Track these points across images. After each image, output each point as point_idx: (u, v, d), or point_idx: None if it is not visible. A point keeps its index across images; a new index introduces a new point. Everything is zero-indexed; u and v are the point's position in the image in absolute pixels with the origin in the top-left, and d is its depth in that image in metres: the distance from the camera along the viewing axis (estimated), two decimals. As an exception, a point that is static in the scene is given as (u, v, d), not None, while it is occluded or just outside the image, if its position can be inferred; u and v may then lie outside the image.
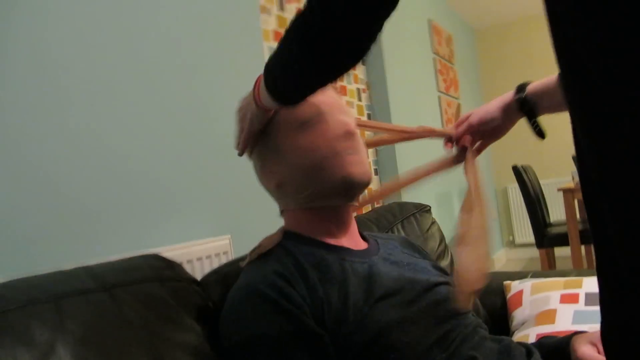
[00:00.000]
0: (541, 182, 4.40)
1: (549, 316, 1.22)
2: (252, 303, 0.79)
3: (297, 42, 0.68)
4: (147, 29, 1.42)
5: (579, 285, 1.27)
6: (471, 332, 0.87)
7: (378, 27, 0.64)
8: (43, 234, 1.08)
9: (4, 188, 1.03)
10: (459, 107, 4.30)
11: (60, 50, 1.18)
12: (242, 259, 1.04)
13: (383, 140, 1.13)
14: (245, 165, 1.65)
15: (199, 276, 1.30)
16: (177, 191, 1.43)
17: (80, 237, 1.16)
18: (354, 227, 0.98)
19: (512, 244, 5.19)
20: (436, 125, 3.70)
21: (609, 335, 0.52)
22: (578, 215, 3.67)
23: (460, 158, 1.02)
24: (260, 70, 1.86)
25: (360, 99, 2.85)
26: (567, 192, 3.12)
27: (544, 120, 0.97)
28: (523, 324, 1.27)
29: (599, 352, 0.87)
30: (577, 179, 3.17)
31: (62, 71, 1.18)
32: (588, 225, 0.53)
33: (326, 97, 0.93)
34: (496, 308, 1.43)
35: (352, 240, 0.96)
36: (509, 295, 1.39)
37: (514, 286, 1.39)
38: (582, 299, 1.23)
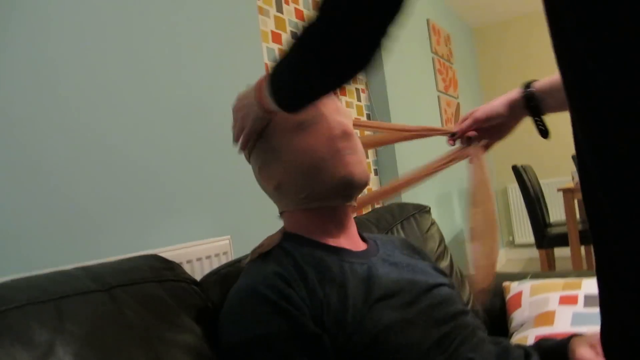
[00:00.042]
0: (541, 182, 4.40)
1: (548, 318, 1.22)
2: (252, 304, 0.79)
3: (302, 49, 0.68)
4: (147, 30, 1.42)
5: (578, 287, 1.27)
6: (470, 334, 0.87)
7: (381, 32, 0.63)
8: (43, 234, 1.08)
9: (4, 188, 1.03)
10: (458, 106, 4.30)
11: (60, 50, 1.18)
12: (241, 259, 1.05)
13: (381, 140, 1.13)
14: (245, 166, 1.65)
15: (198, 276, 1.30)
16: (177, 191, 1.43)
17: (80, 237, 1.16)
18: (353, 227, 0.99)
19: (511, 244, 5.19)
20: (436, 125, 3.70)
21: (608, 336, 0.52)
22: (578, 216, 3.67)
23: (464, 153, 1.01)
24: (259, 70, 1.86)
25: (359, 99, 2.85)
26: (567, 192, 3.12)
27: (546, 119, 0.97)
28: (522, 325, 1.27)
29: (597, 355, 0.87)
30: (577, 179, 3.18)
31: (62, 71, 1.18)
32: (588, 225, 0.53)
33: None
34: (495, 309, 1.43)
35: (351, 241, 0.96)
36: (508, 297, 1.39)
37: (513, 287, 1.39)
38: (581, 300, 1.23)
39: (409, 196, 2.99)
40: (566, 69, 0.51)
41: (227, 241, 1.52)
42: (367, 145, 1.09)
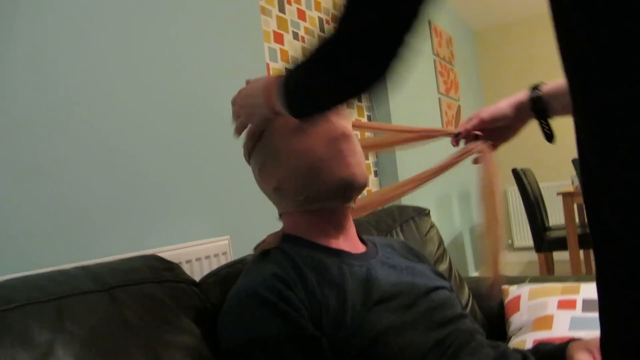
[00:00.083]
0: (541, 185, 4.40)
1: (546, 322, 1.22)
2: (251, 306, 0.79)
3: (320, 59, 0.67)
4: (148, 30, 1.42)
5: (577, 292, 1.27)
6: (468, 338, 0.87)
7: (399, 42, 0.62)
8: (43, 233, 1.08)
9: (4, 187, 1.03)
10: (459, 109, 4.31)
11: (61, 49, 1.18)
12: (241, 260, 1.05)
13: (381, 143, 1.12)
14: (245, 166, 1.65)
15: (197, 276, 1.30)
16: (177, 192, 1.44)
17: (79, 236, 1.16)
18: (352, 229, 0.99)
19: (510, 247, 5.19)
20: (437, 127, 3.70)
21: (608, 340, 0.52)
22: (577, 220, 3.67)
23: (471, 147, 1.00)
24: (260, 70, 1.86)
25: (360, 100, 2.85)
26: (566, 196, 3.12)
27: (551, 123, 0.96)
28: (520, 329, 1.27)
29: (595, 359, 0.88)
30: (576, 182, 3.18)
31: (62, 71, 1.18)
32: (588, 227, 0.53)
33: None
34: (493, 312, 1.43)
35: (350, 243, 0.96)
36: (506, 300, 1.39)
37: (512, 291, 1.40)
38: (579, 305, 1.23)
39: (408, 199, 2.99)
40: (571, 69, 0.51)
41: (227, 241, 1.52)
42: (366, 147, 1.08)
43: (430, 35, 3.88)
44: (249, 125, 0.97)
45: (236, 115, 0.93)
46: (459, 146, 1.02)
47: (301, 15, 2.38)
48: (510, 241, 5.20)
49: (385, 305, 0.83)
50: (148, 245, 1.32)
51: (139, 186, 1.32)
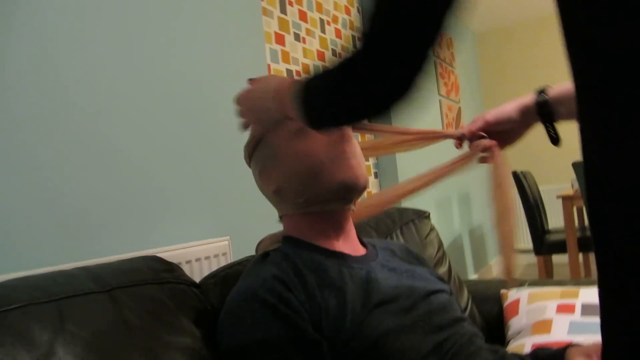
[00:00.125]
0: (540, 188, 4.40)
1: (544, 326, 1.22)
2: (251, 308, 0.79)
3: (343, 73, 0.66)
4: (149, 30, 1.42)
5: (576, 296, 1.27)
6: (467, 342, 0.88)
7: (423, 57, 0.60)
8: (43, 233, 1.09)
9: (4, 187, 1.03)
10: (459, 111, 4.31)
11: (62, 50, 1.18)
12: (241, 262, 1.05)
13: (382, 146, 1.10)
14: (245, 167, 1.65)
15: (197, 277, 1.30)
16: (177, 192, 1.44)
17: (80, 236, 1.16)
18: (352, 232, 0.99)
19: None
20: (437, 129, 3.70)
21: (610, 345, 0.51)
22: (577, 223, 3.68)
23: (480, 144, 0.98)
24: (261, 71, 1.85)
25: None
26: (566, 200, 3.12)
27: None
28: (519, 332, 1.27)
29: (593, 365, 0.88)
30: (576, 186, 3.18)
31: (64, 70, 1.18)
32: (590, 231, 0.52)
33: None
34: (492, 316, 1.43)
35: (350, 245, 0.96)
36: (505, 304, 1.39)
37: (511, 294, 1.40)
38: (578, 309, 1.23)
39: (407, 202, 2.99)
40: (580, 70, 0.50)
41: (227, 242, 1.52)
42: (366, 150, 1.08)
43: (432, 37, 3.88)
44: (251, 127, 0.97)
45: (242, 115, 0.93)
46: (462, 149, 1.01)
47: (302, 16, 2.38)
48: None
49: (385, 308, 0.84)
50: (148, 246, 1.32)
51: (139, 186, 1.32)
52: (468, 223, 4.18)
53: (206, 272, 1.37)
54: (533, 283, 1.47)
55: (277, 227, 1.01)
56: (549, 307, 1.27)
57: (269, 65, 2.07)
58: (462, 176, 4.04)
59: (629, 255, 0.47)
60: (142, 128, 1.35)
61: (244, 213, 1.68)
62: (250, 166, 1.01)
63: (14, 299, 0.65)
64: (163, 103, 1.43)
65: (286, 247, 0.93)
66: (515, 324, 1.30)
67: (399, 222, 1.49)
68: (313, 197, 0.91)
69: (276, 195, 0.95)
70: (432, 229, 1.59)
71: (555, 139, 0.94)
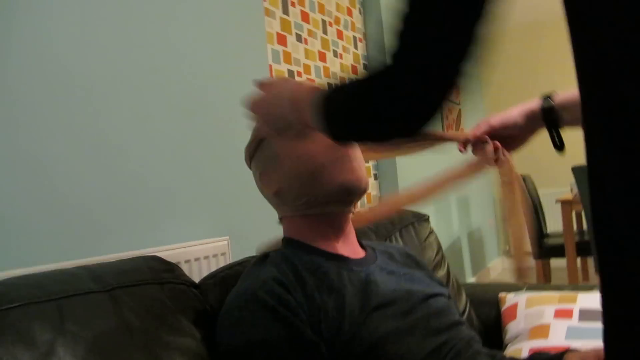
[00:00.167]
0: (539, 192, 4.41)
1: (542, 331, 1.22)
2: (251, 309, 0.79)
3: (369, 91, 0.63)
4: (152, 30, 1.42)
5: (574, 301, 1.28)
6: (465, 346, 0.88)
7: (455, 72, 0.58)
8: (43, 232, 1.09)
9: (6, 186, 1.03)
10: (460, 113, 4.31)
11: (64, 50, 1.18)
12: (240, 263, 1.05)
13: (382, 149, 1.10)
14: (245, 167, 1.65)
15: (196, 277, 1.31)
16: (176, 191, 1.44)
17: (79, 235, 1.16)
18: (352, 234, 0.99)
19: (508, 253, 5.20)
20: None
21: (613, 344, 0.50)
22: (575, 227, 3.68)
23: (481, 163, 0.97)
24: (263, 72, 1.85)
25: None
26: (565, 204, 3.13)
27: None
28: (517, 337, 1.28)
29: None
30: (575, 190, 3.18)
31: (65, 69, 1.18)
32: (592, 233, 0.52)
33: None
34: (490, 319, 1.44)
35: (350, 248, 0.96)
36: (503, 308, 1.39)
37: (509, 299, 1.40)
38: (576, 314, 1.23)
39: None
40: (588, 74, 0.50)
41: (226, 242, 1.52)
42: (367, 153, 1.07)
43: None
44: (253, 129, 0.97)
45: (256, 121, 0.91)
46: (466, 152, 0.99)
47: (304, 17, 2.38)
48: (508, 247, 5.21)
49: (383, 311, 0.84)
50: (148, 245, 1.32)
51: (139, 186, 1.32)
52: (467, 226, 4.19)
53: (205, 272, 1.37)
54: (531, 287, 1.47)
55: (277, 227, 1.01)
56: (546, 312, 1.27)
57: (270, 66, 2.07)
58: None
59: (633, 258, 0.47)
60: (143, 128, 1.36)
61: (243, 213, 1.68)
62: (250, 167, 1.01)
63: (15, 298, 0.65)
64: (164, 102, 1.43)
65: (286, 248, 0.93)
66: (513, 328, 1.31)
67: (398, 225, 1.49)
68: (313, 199, 0.91)
69: (276, 197, 0.95)
70: (431, 232, 1.59)
71: (559, 146, 0.93)
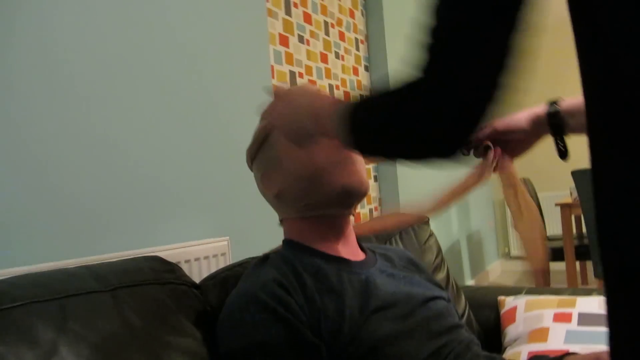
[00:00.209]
0: (539, 195, 4.41)
1: (541, 334, 1.22)
2: (251, 311, 0.80)
3: (399, 107, 0.60)
4: (154, 30, 1.42)
5: (573, 305, 1.28)
6: (464, 349, 0.88)
7: (492, 85, 0.54)
8: (43, 231, 1.09)
9: (8, 185, 1.03)
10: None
11: (65, 49, 1.19)
12: (240, 264, 1.05)
13: None
14: (245, 167, 1.66)
15: (196, 277, 1.31)
16: (177, 191, 1.44)
17: (80, 234, 1.17)
18: (352, 237, 0.99)
19: (507, 255, 5.20)
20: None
21: (618, 347, 0.50)
22: (574, 231, 3.68)
23: (482, 171, 0.94)
24: (265, 72, 1.85)
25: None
26: (564, 208, 3.13)
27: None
28: (516, 340, 1.28)
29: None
30: (575, 194, 3.19)
31: (68, 70, 1.18)
32: (597, 235, 0.51)
33: None
34: (490, 323, 1.44)
35: (350, 250, 0.97)
36: (502, 311, 1.40)
37: (508, 302, 1.40)
38: (575, 318, 1.24)
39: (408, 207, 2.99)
40: (596, 76, 0.49)
41: (226, 242, 1.52)
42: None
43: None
44: (255, 131, 0.98)
45: (276, 118, 0.89)
46: (467, 155, 0.99)
47: (307, 18, 2.39)
48: (507, 250, 5.21)
49: (383, 314, 0.84)
50: (148, 244, 1.33)
51: (139, 186, 1.33)
52: (466, 228, 4.19)
53: (205, 272, 1.37)
54: (530, 291, 1.47)
55: (277, 228, 1.01)
56: (545, 316, 1.27)
57: (272, 67, 2.07)
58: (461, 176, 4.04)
59: (637, 260, 0.47)
60: (144, 128, 1.36)
61: (244, 213, 1.68)
62: (252, 169, 1.01)
63: (18, 296, 0.65)
64: (165, 102, 1.43)
65: (286, 250, 0.93)
66: (512, 331, 1.31)
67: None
68: (314, 202, 0.92)
69: (277, 199, 0.95)
70: (431, 234, 1.59)
71: (563, 153, 0.92)
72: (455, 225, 3.94)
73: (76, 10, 1.21)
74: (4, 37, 1.05)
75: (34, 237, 1.07)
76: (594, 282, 3.86)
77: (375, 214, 2.87)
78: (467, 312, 1.46)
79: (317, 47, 2.45)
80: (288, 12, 2.24)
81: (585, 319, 1.23)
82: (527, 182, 3.58)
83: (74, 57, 1.19)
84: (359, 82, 2.84)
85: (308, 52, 2.36)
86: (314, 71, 2.40)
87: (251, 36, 1.83)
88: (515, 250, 5.09)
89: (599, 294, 1.34)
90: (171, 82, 1.46)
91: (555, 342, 1.19)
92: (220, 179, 1.60)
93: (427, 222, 1.63)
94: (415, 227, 1.55)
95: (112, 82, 1.28)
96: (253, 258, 1.07)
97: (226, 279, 0.98)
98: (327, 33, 2.55)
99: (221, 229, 1.58)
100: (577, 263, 3.58)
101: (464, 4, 0.53)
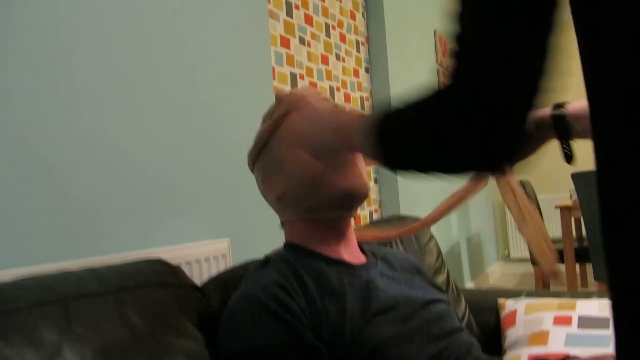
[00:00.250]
0: (539, 197, 4.42)
1: (541, 337, 1.23)
2: (253, 313, 0.80)
3: (434, 114, 0.57)
4: (156, 31, 1.43)
5: (573, 308, 1.28)
6: (465, 352, 0.88)
7: (532, 90, 0.52)
8: (45, 231, 1.09)
9: (10, 186, 1.03)
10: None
11: (69, 50, 1.19)
12: (242, 266, 1.06)
13: None
14: (246, 169, 1.66)
15: (197, 278, 1.31)
16: (178, 193, 1.44)
17: (82, 235, 1.17)
18: (353, 239, 1.00)
19: (507, 258, 5.20)
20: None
21: (626, 348, 0.49)
22: (574, 233, 3.68)
23: (480, 178, 0.95)
24: (266, 73, 1.85)
25: (363, 107, 2.86)
26: (564, 210, 3.13)
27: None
28: (516, 343, 1.28)
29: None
30: (574, 197, 3.19)
31: (70, 70, 1.18)
32: (602, 240, 0.51)
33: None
34: (489, 326, 1.44)
35: (351, 253, 0.97)
36: (503, 314, 1.40)
37: (508, 305, 1.40)
38: (575, 321, 1.24)
39: (408, 209, 3.00)
40: (599, 71, 0.49)
41: (226, 244, 1.52)
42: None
43: (435, 44, 3.90)
44: (256, 133, 0.98)
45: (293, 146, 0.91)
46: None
47: (308, 20, 2.39)
48: (506, 252, 5.21)
49: (384, 316, 0.84)
50: (149, 245, 1.33)
51: (141, 186, 1.33)
52: (466, 230, 4.19)
53: (206, 274, 1.38)
54: (530, 294, 1.47)
55: (277, 230, 1.01)
56: (546, 319, 1.27)
57: (273, 68, 2.08)
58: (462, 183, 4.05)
59: None
60: (146, 129, 1.36)
61: (244, 215, 1.68)
62: (253, 172, 1.02)
63: (22, 299, 0.66)
64: (167, 103, 1.43)
65: (287, 253, 0.93)
66: (512, 334, 1.31)
67: (399, 230, 1.49)
68: (315, 205, 0.92)
69: (279, 202, 0.95)
70: (431, 237, 1.59)
71: (569, 157, 0.88)
72: (455, 228, 3.94)
73: (78, 11, 1.21)
74: (4, 38, 1.06)
75: (35, 238, 1.07)
76: (593, 284, 3.86)
77: (375, 216, 2.87)
78: (467, 315, 1.46)
79: (318, 48, 2.45)
80: (289, 13, 2.25)
81: (586, 322, 1.23)
82: (526, 185, 3.58)
83: (75, 57, 1.20)
84: (359, 83, 2.85)
85: (309, 54, 2.37)
86: (315, 73, 2.40)
87: (252, 38, 1.83)
88: (515, 253, 5.10)
89: (599, 296, 1.34)
90: (173, 83, 1.46)
91: (556, 345, 1.19)
92: (221, 181, 1.60)
93: (427, 225, 1.63)
94: (415, 229, 1.55)
95: (114, 83, 1.28)
96: (254, 260, 1.07)
97: (228, 281, 0.98)
98: (328, 35, 2.55)
99: (222, 230, 1.58)
100: (577, 265, 3.58)
101: (486, 6, 0.52)
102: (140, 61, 1.36)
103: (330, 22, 2.59)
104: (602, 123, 0.50)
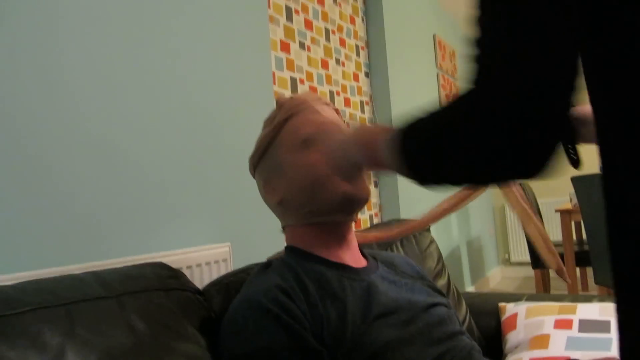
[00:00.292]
0: (539, 201, 4.42)
1: (542, 341, 1.23)
2: (254, 317, 0.80)
3: (462, 122, 0.54)
4: (156, 34, 1.43)
5: (573, 312, 1.28)
6: (466, 356, 0.88)
7: (565, 104, 0.50)
8: (46, 236, 1.09)
9: (11, 190, 1.04)
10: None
11: (68, 53, 1.19)
12: (244, 270, 1.06)
13: None
14: (247, 173, 1.66)
15: (197, 283, 1.31)
16: (179, 197, 1.45)
17: (83, 239, 1.17)
18: (354, 243, 1.00)
19: (507, 262, 5.20)
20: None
21: (631, 349, 0.48)
22: (574, 237, 3.68)
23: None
24: (266, 78, 1.85)
25: (363, 111, 2.87)
26: (564, 214, 3.13)
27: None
28: (516, 347, 1.28)
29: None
30: (574, 200, 3.19)
31: (70, 74, 1.19)
32: (608, 245, 0.50)
33: (327, 116, 0.95)
34: (490, 329, 1.44)
35: (352, 257, 0.97)
36: (503, 318, 1.40)
37: (509, 309, 1.40)
38: (575, 325, 1.24)
39: (408, 212, 3.00)
40: (601, 70, 0.48)
41: (227, 248, 1.53)
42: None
43: (435, 48, 3.91)
44: (257, 138, 0.98)
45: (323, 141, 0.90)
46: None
47: (308, 25, 2.40)
48: (507, 256, 5.21)
49: (385, 320, 0.84)
50: (150, 250, 1.33)
51: (141, 191, 1.33)
52: (466, 234, 4.19)
53: (206, 278, 1.38)
54: (531, 297, 1.48)
55: (278, 234, 1.02)
56: (546, 322, 1.27)
57: (273, 73, 2.08)
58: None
59: None
60: (146, 133, 1.36)
61: (245, 219, 1.68)
62: (254, 177, 1.02)
63: (26, 302, 0.66)
64: (167, 108, 1.44)
65: (289, 257, 0.94)
66: (512, 338, 1.31)
67: (399, 234, 1.50)
68: (316, 209, 0.92)
69: (280, 207, 0.96)
70: (432, 241, 1.60)
71: (575, 161, 0.85)
72: (456, 232, 3.94)
73: (78, 13, 1.22)
74: (4, 38, 1.06)
75: (37, 243, 1.07)
76: (594, 288, 3.86)
77: (375, 220, 2.88)
78: (468, 318, 1.46)
79: (318, 53, 2.46)
80: (289, 18, 2.26)
81: (586, 325, 1.23)
82: (525, 189, 3.58)
83: (75, 60, 1.20)
84: (359, 88, 2.85)
85: (309, 59, 2.37)
86: (315, 77, 2.41)
87: (253, 43, 1.84)
88: (515, 257, 5.10)
89: (600, 300, 1.35)
90: (173, 88, 1.46)
91: (556, 349, 1.19)
92: (222, 185, 1.61)
93: (428, 229, 1.63)
94: (416, 233, 1.55)
95: (115, 87, 1.29)
96: (256, 264, 1.07)
97: (229, 285, 0.99)
98: (327, 39, 2.56)
99: (222, 234, 1.58)
100: (578, 269, 3.58)
101: (503, 10, 0.51)
102: (141, 66, 1.37)
103: (330, 26, 2.60)
104: (605, 124, 0.50)
